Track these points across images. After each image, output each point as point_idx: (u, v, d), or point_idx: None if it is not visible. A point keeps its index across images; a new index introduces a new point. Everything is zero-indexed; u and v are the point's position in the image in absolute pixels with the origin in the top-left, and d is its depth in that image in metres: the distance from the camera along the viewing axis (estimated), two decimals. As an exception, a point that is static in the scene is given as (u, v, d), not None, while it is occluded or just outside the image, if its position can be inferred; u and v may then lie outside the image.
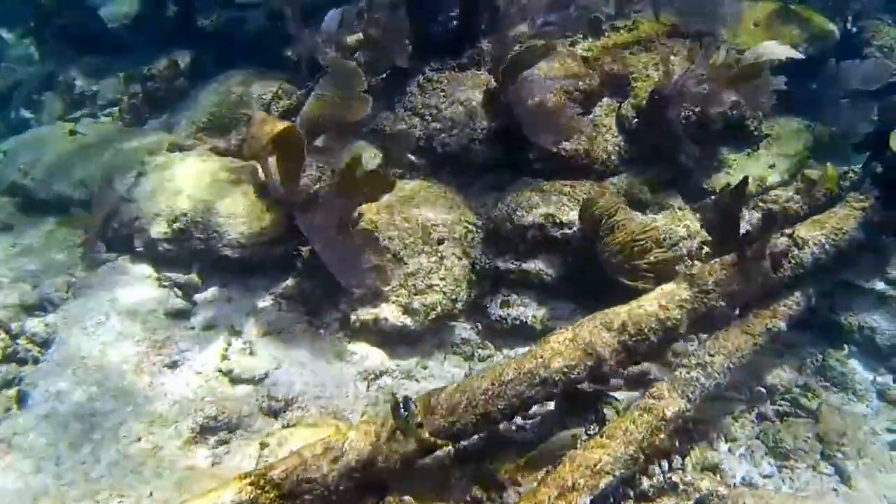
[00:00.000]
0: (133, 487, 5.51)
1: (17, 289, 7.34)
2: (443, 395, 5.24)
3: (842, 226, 6.53)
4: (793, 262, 6.30)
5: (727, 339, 5.98)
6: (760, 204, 7.58)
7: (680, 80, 7.19)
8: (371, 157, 7.90)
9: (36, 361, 6.68)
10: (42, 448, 5.80)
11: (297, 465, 4.78)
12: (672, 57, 7.78)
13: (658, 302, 5.82)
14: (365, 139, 8.12)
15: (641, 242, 6.38)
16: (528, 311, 6.82)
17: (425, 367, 6.65)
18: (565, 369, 5.37)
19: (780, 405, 6.44)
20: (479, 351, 6.82)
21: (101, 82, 10.47)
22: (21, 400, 6.30)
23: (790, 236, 6.33)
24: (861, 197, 6.82)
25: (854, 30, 9.61)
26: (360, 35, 8.17)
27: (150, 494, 5.45)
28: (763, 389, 6.51)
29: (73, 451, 5.77)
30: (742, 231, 6.17)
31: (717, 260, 6.12)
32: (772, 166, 8.00)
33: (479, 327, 6.99)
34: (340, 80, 7.34)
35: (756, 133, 8.12)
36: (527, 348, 6.35)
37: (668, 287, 5.99)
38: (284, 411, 6.11)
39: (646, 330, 5.64)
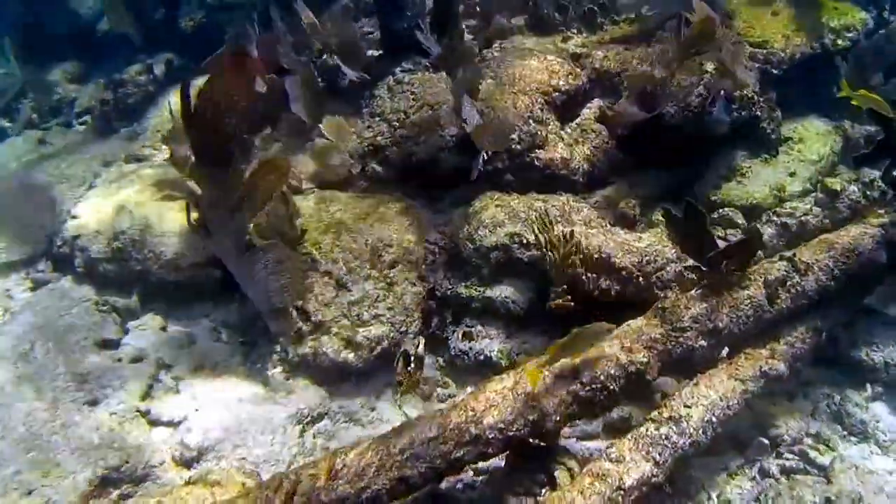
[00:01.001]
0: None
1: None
2: (351, 456, 4.48)
3: (855, 246, 5.50)
4: (793, 291, 5.32)
5: (710, 387, 5.01)
6: (774, 218, 6.59)
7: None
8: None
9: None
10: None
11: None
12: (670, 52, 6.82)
13: (621, 343, 4.91)
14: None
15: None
16: (494, 344, 5.97)
17: (373, 409, 5.91)
18: (501, 426, 4.54)
19: (787, 459, 5.42)
20: (440, 390, 6.00)
21: (83, 89, 9.91)
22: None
23: (790, 260, 5.36)
24: (881, 212, 5.80)
25: (893, 19, 8.38)
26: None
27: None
28: (765, 441, 5.50)
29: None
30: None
31: (698, 289, 5.19)
32: (792, 174, 6.96)
33: (440, 362, 6.16)
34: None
35: (773, 136, 7.09)
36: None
37: (635, 323, 5.09)
38: (198, 461, 5.39)
39: (603, 378, 4.74)
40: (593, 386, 4.73)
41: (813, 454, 5.41)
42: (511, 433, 4.54)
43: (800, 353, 5.41)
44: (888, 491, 5.10)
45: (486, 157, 6.14)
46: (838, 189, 6.63)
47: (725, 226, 6.64)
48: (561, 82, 6.70)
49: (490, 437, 4.51)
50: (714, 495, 5.19)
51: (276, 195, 6.01)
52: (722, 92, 6.40)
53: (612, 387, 4.76)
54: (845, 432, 5.65)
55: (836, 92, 6.27)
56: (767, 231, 6.54)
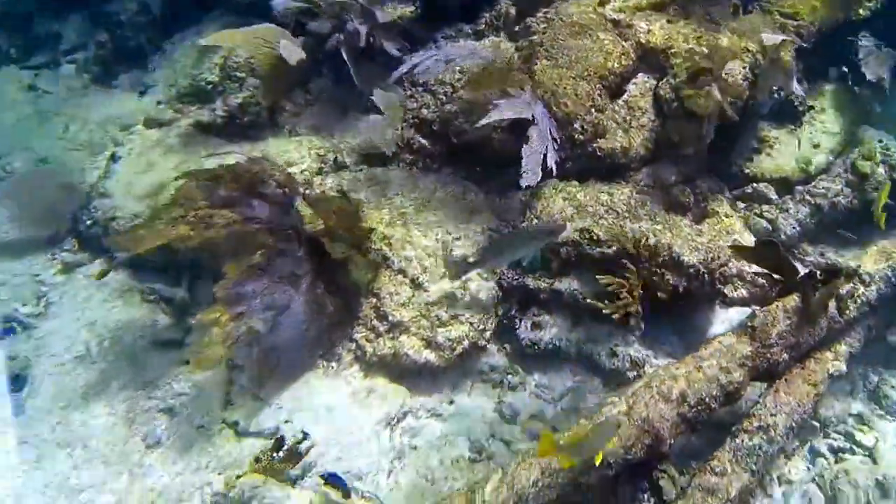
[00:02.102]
0: None
1: (-26, 303, 6.48)
2: (487, 491, 4.69)
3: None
4: (858, 301, 5.74)
5: (788, 393, 5.46)
6: (807, 198, 6.86)
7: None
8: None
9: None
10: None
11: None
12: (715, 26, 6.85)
13: (717, 363, 5.20)
14: (369, 114, 7.25)
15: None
16: (562, 333, 6.17)
17: (451, 402, 6.04)
18: (622, 451, 4.85)
19: (835, 439, 5.97)
20: (509, 377, 6.19)
21: (62, 21, 9.15)
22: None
23: (856, 273, 5.73)
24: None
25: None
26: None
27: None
28: (816, 423, 6.02)
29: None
30: (804, 271, 5.55)
31: (779, 305, 5.49)
32: (816, 146, 7.23)
33: (508, 350, 6.30)
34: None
35: (800, 108, 7.33)
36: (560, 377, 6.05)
37: (726, 340, 5.39)
38: (302, 479, 5.43)
39: (707, 399, 5.10)
40: (699, 408, 5.06)
41: (858, 435, 5.97)
42: (630, 457, 4.87)
43: (856, 351, 5.93)
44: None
45: (556, 147, 6.13)
46: (868, 172, 6.90)
47: (760, 201, 6.90)
48: (615, 65, 6.69)
49: (612, 462, 4.82)
50: (775, 476, 5.68)
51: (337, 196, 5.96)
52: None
53: (713, 406, 5.11)
54: (883, 412, 6.18)
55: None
56: (801, 210, 6.86)
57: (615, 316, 5.73)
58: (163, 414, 5.80)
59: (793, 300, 5.53)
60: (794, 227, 6.81)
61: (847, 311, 5.68)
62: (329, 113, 7.29)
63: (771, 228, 6.77)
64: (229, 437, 5.66)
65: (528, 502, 4.63)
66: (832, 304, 5.63)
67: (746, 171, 7.10)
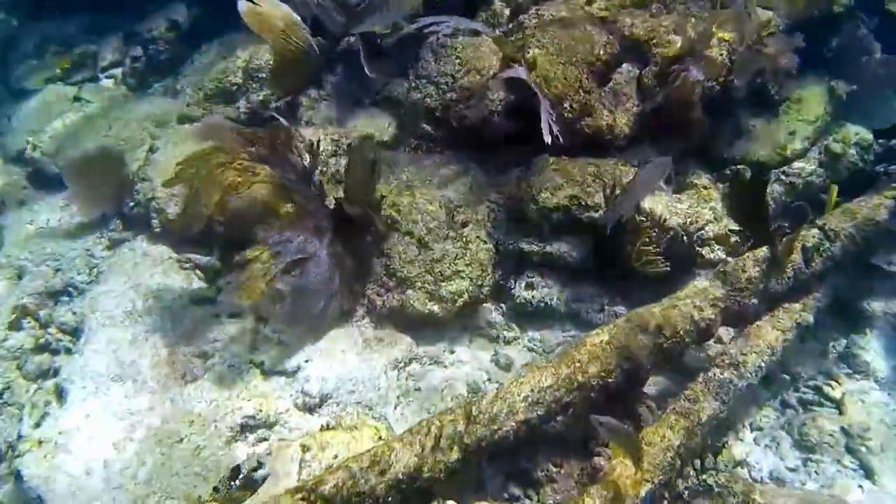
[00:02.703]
0: (178, 490, 5.61)
1: (40, 274, 7.34)
2: (483, 404, 5.30)
3: (873, 216, 6.57)
4: (824, 255, 6.36)
5: (758, 336, 6.04)
6: (783, 178, 7.55)
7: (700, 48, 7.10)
8: (385, 127, 7.79)
9: (69, 351, 6.71)
10: (86, 449, 5.87)
11: (347, 479, 4.83)
12: (691, 20, 7.59)
13: (692, 301, 5.87)
14: (378, 107, 8.02)
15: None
16: (553, 292, 6.83)
17: (452, 352, 6.68)
18: (603, 374, 5.47)
19: (804, 392, 6.53)
20: (505, 333, 6.84)
21: (100, 42, 10.11)
22: (60, 395, 6.33)
23: (821, 228, 6.36)
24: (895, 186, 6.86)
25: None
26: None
27: (199, 499, 5.55)
28: (786, 376, 6.60)
29: (118, 451, 5.84)
30: (772, 223, 6.20)
31: (749, 255, 6.15)
32: (792, 133, 7.89)
33: (504, 309, 6.97)
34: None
35: (777, 97, 7.99)
36: (551, 333, 6.61)
37: (700, 284, 6.05)
38: (320, 407, 6.16)
39: (681, 332, 5.72)
40: (674, 339, 5.70)
41: (826, 389, 6.50)
42: (611, 380, 5.48)
43: (822, 305, 6.52)
44: (888, 421, 6.26)
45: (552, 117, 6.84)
46: (840, 153, 7.58)
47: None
48: (601, 52, 7.35)
49: (594, 384, 5.44)
50: (747, 423, 6.28)
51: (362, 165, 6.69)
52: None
53: (687, 339, 5.77)
54: (850, 371, 6.73)
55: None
56: (776, 189, 7.53)
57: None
58: (198, 358, 6.50)
59: (762, 251, 6.17)
60: (771, 205, 7.42)
61: (813, 263, 6.30)
62: (342, 105, 8.00)
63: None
64: (256, 374, 6.36)
65: (517, 414, 5.27)
66: (799, 256, 6.27)
67: (726, 156, 7.74)
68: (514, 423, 5.25)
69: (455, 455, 5.11)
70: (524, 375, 5.48)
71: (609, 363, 5.49)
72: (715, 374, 5.75)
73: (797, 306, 6.30)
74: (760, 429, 6.25)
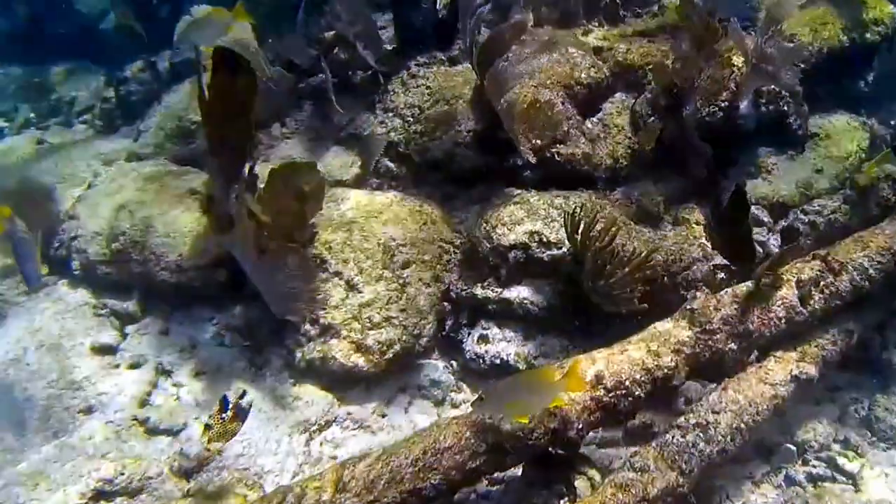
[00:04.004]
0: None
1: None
2: (360, 467, 4.24)
3: (890, 245, 5.19)
4: (826, 291, 5.01)
5: (738, 391, 4.73)
6: (801, 216, 6.30)
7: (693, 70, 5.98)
8: (348, 165, 6.85)
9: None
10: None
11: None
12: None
13: (647, 346, 4.62)
14: (342, 144, 7.11)
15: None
16: (511, 347, 5.69)
17: (383, 416, 5.62)
18: (519, 433, 4.27)
19: (815, 466, 5.20)
20: (453, 395, 5.76)
21: (83, 87, 9.65)
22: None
23: (823, 259, 5.06)
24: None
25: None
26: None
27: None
28: (792, 447, 5.26)
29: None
30: (760, 252, 4.95)
31: (728, 290, 4.91)
32: (819, 170, 6.67)
33: (454, 366, 5.87)
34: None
35: (800, 132, 6.79)
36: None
37: (661, 325, 4.80)
38: (198, 472, 5.09)
39: (628, 383, 4.51)
40: (618, 392, 4.48)
41: (841, 461, 5.19)
42: (531, 441, 4.28)
43: (831, 357, 5.14)
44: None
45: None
46: (868, 187, 6.30)
47: (753, 224, 6.35)
48: (583, 75, 6.41)
49: (508, 445, 4.25)
50: (727, 494, 4.96)
51: (290, 195, 5.74)
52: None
53: (637, 393, 4.51)
54: (874, 438, 5.43)
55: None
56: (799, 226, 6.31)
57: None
58: (80, 413, 5.60)
59: (745, 286, 4.95)
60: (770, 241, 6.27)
61: (811, 301, 4.99)
62: (304, 143, 7.18)
63: (761, 251, 6.20)
64: (137, 432, 5.48)
65: (402, 482, 4.12)
66: (794, 293, 4.97)
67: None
68: (396, 494, 4.12)
69: (315, 532, 3.95)
70: (419, 434, 4.33)
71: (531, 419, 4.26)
72: (674, 437, 4.45)
73: (793, 355, 4.94)
74: (745, 504, 4.89)
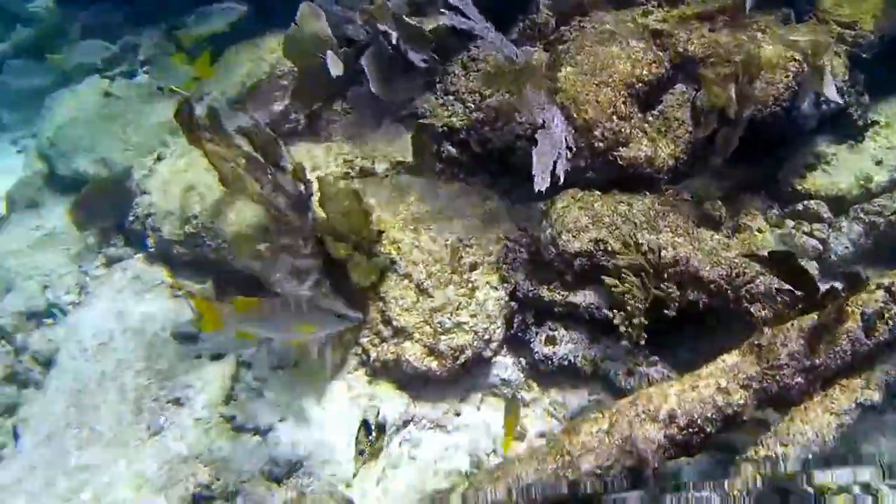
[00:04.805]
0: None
1: (26, 290, 6.96)
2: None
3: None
4: (891, 323, 5.17)
5: (805, 422, 4.94)
6: (861, 216, 6.42)
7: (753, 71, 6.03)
8: (407, 147, 6.97)
9: (37, 385, 6.25)
10: (28, 505, 5.30)
11: None
12: (759, 34, 6.51)
13: (717, 382, 4.85)
14: (402, 123, 7.25)
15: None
16: (578, 348, 5.91)
17: (458, 415, 5.88)
18: (598, 471, 4.55)
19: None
20: (522, 394, 5.99)
21: (144, 33, 9.70)
22: (15, 436, 5.86)
23: (888, 290, 5.21)
24: None
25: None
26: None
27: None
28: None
29: (59, 516, 5.26)
30: (824, 285, 5.13)
31: (793, 323, 5.08)
32: (879, 162, 6.74)
33: (523, 364, 6.11)
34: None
35: (860, 121, 6.84)
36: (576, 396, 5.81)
37: (730, 360, 5.01)
38: (288, 477, 5.46)
39: (700, 421, 4.71)
40: (690, 430, 4.71)
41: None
42: (607, 480, 4.56)
43: (893, 381, 5.30)
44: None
45: (570, 155, 5.95)
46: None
47: (811, 219, 6.50)
48: (644, 72, 6.38)
49: (586, 483, 4.54)
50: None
51: (347, 194, 5.95)
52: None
53: (708, 429, 4.74)
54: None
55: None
56: (854, 229, 6.41)
57: (622, 328, 5.49)
58: (170, 404, 5.94)
59: (810, 318, 5.12)
60: (845, 247, 6.36)
61: (876, 333, 5.17)
62: (365, 121, 7.28)
63: (822, 248, 6.36)
64: (224, 431, 5.75)
65: (489, 522, 4.45)
66: (858, 325, 5.16)
67: (798, 188, 6.67)
68: (476, 536, 4.41)
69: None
70: (499, 470, 4.63)
71: (607, 458, 4.57)
72: (746, 471, 4.71)
73: (858, 382, 5.11)
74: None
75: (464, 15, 6.10)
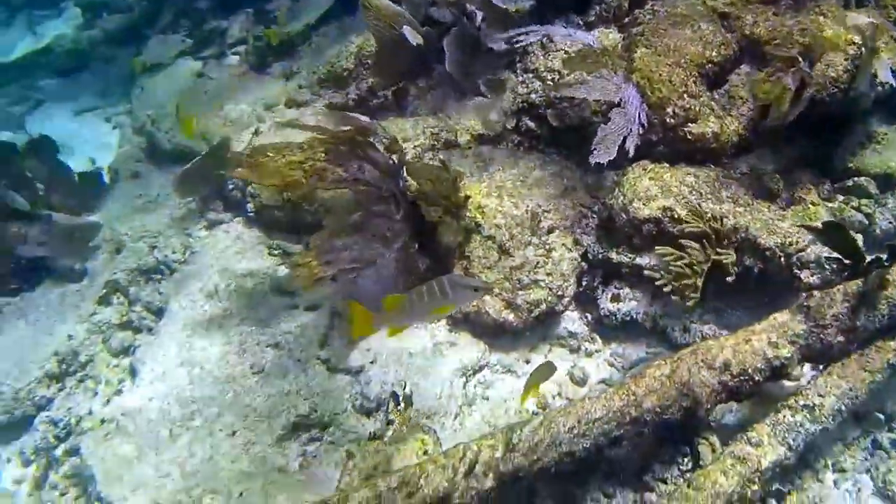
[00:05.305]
0: (225, 485, 5.67)
1: (136, 250, 7.64)
2: (526, 431, 5.10)
3: None
4: (929, 292, 5.66)
5: (842, 377, 5.45)
6: (906, 199, 6.84)
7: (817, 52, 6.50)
8: (488, 121, 7.53)
9: (149, 331, 6.93)
10: (144, 433, 6.11)
11: (371, 499, 4.77)
12: (821, 18, 6.95)
13: (767, 337, 5.38)
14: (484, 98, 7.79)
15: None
16: (640, 306, 6.47)
17: (528, 362, 6.48)
18: (658, 409, 5.14)
19: (897, 433, 5.90)
20: (587, 345, 6.57)
21: (231, 18, 10.37)
22: (132, 373, 6.56)
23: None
24: None
25: None
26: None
27: (241, 495, 5.59)
28: (881, 416, 5.93)
29: (173, 440, 6.00)
30: (870, 255, 5.61)
31: (839, 288, 5.57)
32: (930, 145, 7.14)
33: (588, 319, 6.68)
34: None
35: (917, 99, 7.25)
36: (634, 349, 6.36)
37: (781, 317, 5.53)
38: (377, 411, 6.10)
39: (750, 370, 5.28)
40: (741, 378, 5.27)
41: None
42: (666, 417, 5.14)
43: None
44: None
45: (642, 130, 6.47)
46: None
47: (859, 195, 6.89)
48: (714, 53, 6.89)
49: (647, 419, 5.13)
50: (830, 463, 5.69)
51: (436, 165, 6.54)
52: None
53: (757, 378, 5.30)
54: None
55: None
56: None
57: (666, 288, 6.03)
58: (269, 348, 6.59)
59: (855, 284, 5.60)
60: (889, 222, 6.76)
61: (916, 300, 5.64)
62: (448, 97, 7.85)
63: (867, 222, 6.77)
64: (320, 371, 6.39)
65: (560, 445, 5.01)
66: (896, 292, 5.63)
67: (850, 165, 7.08)
68: (556, 455, 5.03)
69: (489, 483, 4.95)
70: (573, 405, 5.19)
71: (667, 399, 5.16)
72: (784, 417, 5.23)
73: (892, 344, 5.59)
74: (843, 470, 5.68)
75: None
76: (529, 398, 5.86)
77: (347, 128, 6.41)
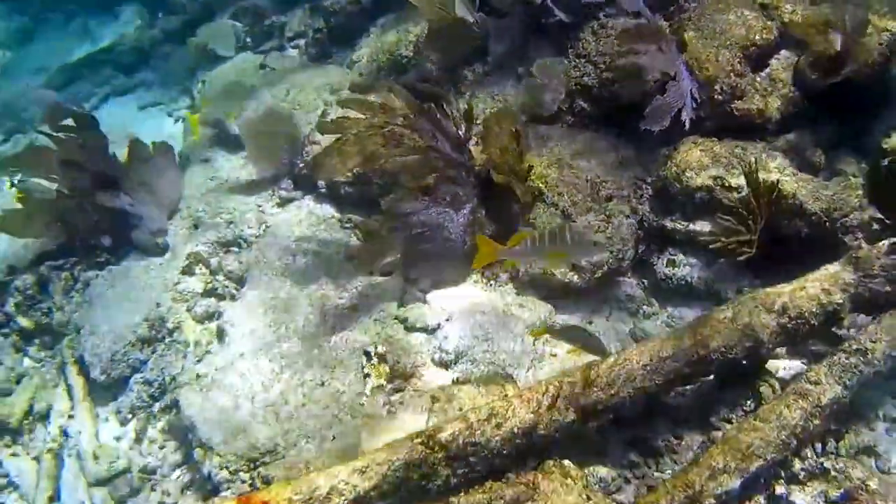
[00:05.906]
0: (318, 429, 6.12)
1: (214, 226, 8.10)
2: (602, 368, 5.54)
3: None
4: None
5: (892, 325, 5.92)
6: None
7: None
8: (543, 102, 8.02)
9: (233, 297, 7.41)
10: (238, 385, 6.55)
11: (463, 429, 5.22)
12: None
13: (821, 284, 5.85)
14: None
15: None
16: (694, 271, 6.96)
17: (590, 323, 6.94)
18: (723, 349, 5.58)
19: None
20: (644, 308, 7.04)
21: (289, 13, 10.89)
22: (220, 336, 7.01)
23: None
24: None
25: None
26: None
27: (333, 439, 6.04)
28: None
29: (265, 390, 6.45)
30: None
31: (887, 241, 6.05)
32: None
33: (645, 284, 7.17)
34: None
35: (949, 85, 7.73)
36: (690, 311, 6.75)
37: (832, 268, 6.00)
38: (455, 364, 6.54)
39: (806, 314, 5.72)
40: (798, 321, 5.73)
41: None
42: (731, 356, 5.59)
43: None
44: None
45: (695, 105, 6.97)
46: None
47: (898, 172, 7.38)
48: (757, 37, 7.37)
49: (713, 357, 5.58)
50: (881, 414, 6.10)
51: (508, 133, 7.04)
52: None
53: (813, 322, 5.76)
54: None
55: None
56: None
57: (719, 248, 6.56)
58: (348, 310, 7.05)
59: (901, 238, 6.11)
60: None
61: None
62: (504, 80, 8.33)
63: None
64: (399, 329, 6.86)
65: (634, 381, 5.48)
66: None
67: (885, 146, 7.52)
68: (630, 390, 5.48)
69: (570, 416, 5.41)
70: (645, 344, 5.66)
71: (731, 339, 5.60)
72: (840, 359, 5.68)
73: (940, 294, 6.08)
74: (894, 420, 6.06)
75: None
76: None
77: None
